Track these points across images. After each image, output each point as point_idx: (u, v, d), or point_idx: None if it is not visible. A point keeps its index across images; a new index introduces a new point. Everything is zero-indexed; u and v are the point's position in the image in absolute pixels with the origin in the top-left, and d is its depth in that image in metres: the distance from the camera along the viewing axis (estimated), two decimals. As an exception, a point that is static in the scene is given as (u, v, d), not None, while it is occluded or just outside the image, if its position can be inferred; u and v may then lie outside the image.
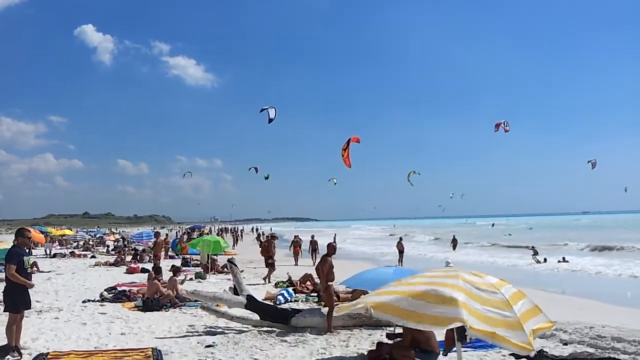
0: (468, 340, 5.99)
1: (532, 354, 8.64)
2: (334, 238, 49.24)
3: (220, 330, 11.01)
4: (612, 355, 8.94)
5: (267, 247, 21.86)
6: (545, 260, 30.64)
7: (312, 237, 31.02)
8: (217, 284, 18.75)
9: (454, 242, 42.73)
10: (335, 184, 44.71)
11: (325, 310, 11.28)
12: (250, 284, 16.59)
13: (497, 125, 28.81)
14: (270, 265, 21.00)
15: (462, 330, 5.67)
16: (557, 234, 60.18)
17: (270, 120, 24.95)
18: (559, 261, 30.04)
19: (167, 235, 41.52)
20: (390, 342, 8.80)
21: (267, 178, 47.96)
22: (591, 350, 9.43)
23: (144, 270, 21.98)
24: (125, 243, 40.98)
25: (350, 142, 19.87)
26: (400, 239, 33.14)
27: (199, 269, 22.98)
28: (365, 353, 8.79)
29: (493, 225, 70.28)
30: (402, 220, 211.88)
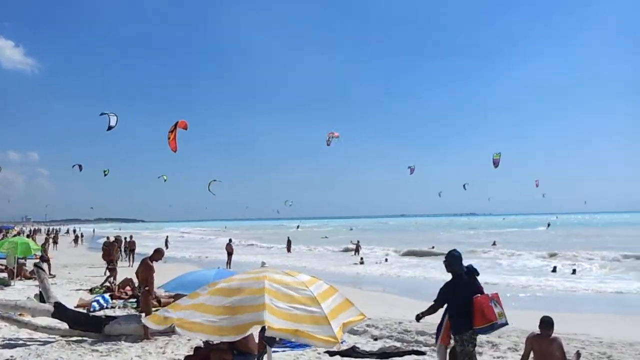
0: (277, 340, 6.08)
1: (337, 348, 9.09)
2: (166, 241, 47.72)
3: (21, 342, 9.95)
4: (415, 348, 9.77)
5: (109, 251, 20.62)
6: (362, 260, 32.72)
7: (130, 237, 30.05)
8: (23, 291, 17.00)
9: (289, 244, 43.86)
10: (165, 180, 43.16)
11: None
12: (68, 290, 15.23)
13: (329, 140, 30.50)
14: (111, 270, 19.78)
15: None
16: (373, 237, 64.25)
17: (110, 128, 23.17)
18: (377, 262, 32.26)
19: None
20: (208, 346, 8.62)
21: (106, 174, 44.49)
22: (398, 344, 10.18)
23: None
24: None
25: (177, 126, 19.24)
26: (230, 240, 33.02)
27: (3, 275, 20.59)
28: (182, 359, 8.51)
29: (326, 236, 75.04)
30: (234, 221, 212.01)
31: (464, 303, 6.43)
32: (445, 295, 6.72)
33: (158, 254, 11.07)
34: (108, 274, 19.69)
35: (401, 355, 9.29)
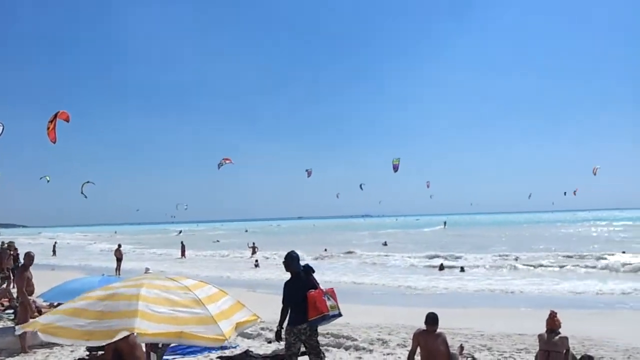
0: (161, 347, 5.92)
1: (231, 352, 8.98)
2: (54, 248, 44.52)
3: None
4: (309, 349, 9.82)
5: (0, 258, 18.89)
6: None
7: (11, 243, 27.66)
8: None
9: (183, 248, 42.75)
10: (48, 181, 40.30)
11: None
12: None
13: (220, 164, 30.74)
14: (3, 279, 18.41)
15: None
16: (268, 239, 64.25)
17: None
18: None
19: None
20: (92, 356, 8.15)
21: None
22: (291, 345, 10.18)
23: None
24: None
25: (57, 117, 18.05)
26: (119, 245, 31.57)
27: None
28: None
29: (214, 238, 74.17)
30: (125, 226, 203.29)
31: (302, 299, 6.90)
32: (288, 293, 7.14)
33: (27, 258, 10.25)
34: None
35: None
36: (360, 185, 52.61)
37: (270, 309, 14.32)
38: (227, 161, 32.52)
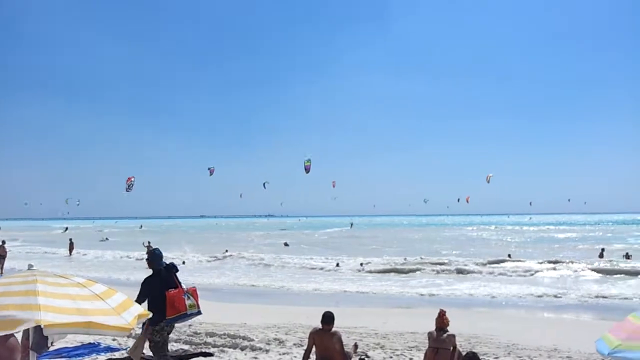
0: (49, 346, 5.58)
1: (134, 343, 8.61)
2: None
3: None
4: (204, 350, 9.61)
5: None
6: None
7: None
8: None
9: (71, 245, 40.55)
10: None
11: None
12: None
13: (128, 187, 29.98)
14: None
15: (40, 339, 5.16)
16: (169, 238, 62.76)
17: None
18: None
19: None
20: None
21: None
22: (186, 347, 9.92)
23: None
24: None
25: None
26: (3, 242, 29.31)
27: None
28: None
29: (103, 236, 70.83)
30: (11, 221, 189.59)
31: (160, 296, 6.97)
32: (147, 290, 7.14)
33: None
34: None
35: (189, 358, 9.07)
36: (264, 184, 52.51)
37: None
38: (131, 181, 31.92)
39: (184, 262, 32.94)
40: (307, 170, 35.79)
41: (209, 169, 44.65)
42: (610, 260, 29.31)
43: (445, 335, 7.14)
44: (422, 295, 19.46)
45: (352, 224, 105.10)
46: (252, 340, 10.33)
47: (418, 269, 27.36)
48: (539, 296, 18.53)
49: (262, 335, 10.77)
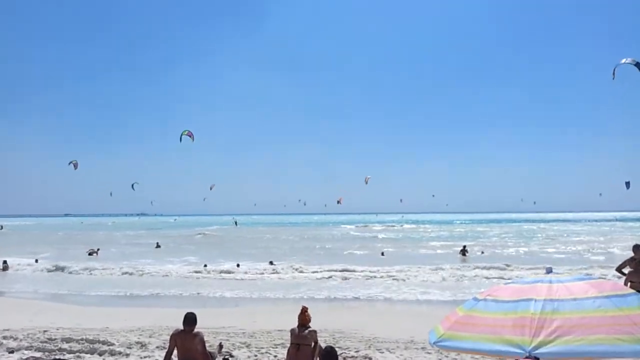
0: None
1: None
2: None
3: None
4: (59, 357, 9.06)
5: None
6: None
7: None
8: None
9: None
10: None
11: None
12: None
13: None
14: None
15: None
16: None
17: None
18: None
19: None
20: None
21: None
22: (39, 354, 9.31)
23: None
24: None
25: None
26: None
27: None
28: None
29: None
30: None
31: None
32: None
33: None
34: None
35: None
36: (132, 185, 50.39)
37: (20, 314, 13.03)
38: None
39: (36, 260, 30.67)
40: (189, 137, 33.55)
41: (71, 162, 41.85)
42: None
43: (306, 331, 7.34)
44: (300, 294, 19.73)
45: (236, 223, 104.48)
46: (113, 344, 9.91)
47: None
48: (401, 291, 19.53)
49: (123, 339, 10.36)
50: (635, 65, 16.69)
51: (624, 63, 17.13)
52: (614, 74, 17.74)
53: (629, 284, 10.56)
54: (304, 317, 7.40)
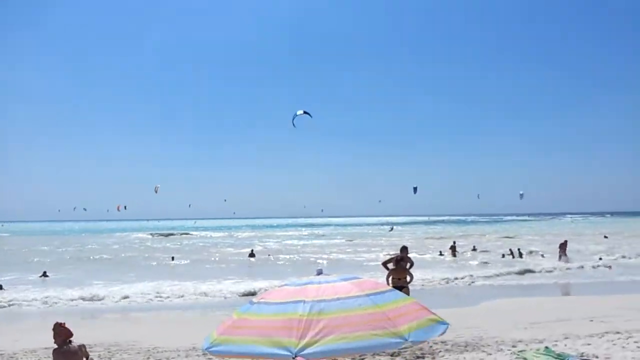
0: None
1: None
2: None
3: None
4: None
5: None
6: None
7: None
8: None
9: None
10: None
11: None
12: None
13: None
14: None
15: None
16: None
17: None
18: None
19: None
20: None
21: None
22: None
23: None
24: None
25: None
26: None
27: None
28: None
29: None
30: None
31: None
32: None
33: None
34: None
35: None
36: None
37: None
38: None
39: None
40: None
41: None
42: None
43: (76, 346, 6.50)
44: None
45: (195, 222, 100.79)
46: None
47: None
48: (181, 296, 18.80)
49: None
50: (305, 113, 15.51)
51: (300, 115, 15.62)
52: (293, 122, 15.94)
53: (390, 278, 11.66)
54: (65, 331, 6.47)
